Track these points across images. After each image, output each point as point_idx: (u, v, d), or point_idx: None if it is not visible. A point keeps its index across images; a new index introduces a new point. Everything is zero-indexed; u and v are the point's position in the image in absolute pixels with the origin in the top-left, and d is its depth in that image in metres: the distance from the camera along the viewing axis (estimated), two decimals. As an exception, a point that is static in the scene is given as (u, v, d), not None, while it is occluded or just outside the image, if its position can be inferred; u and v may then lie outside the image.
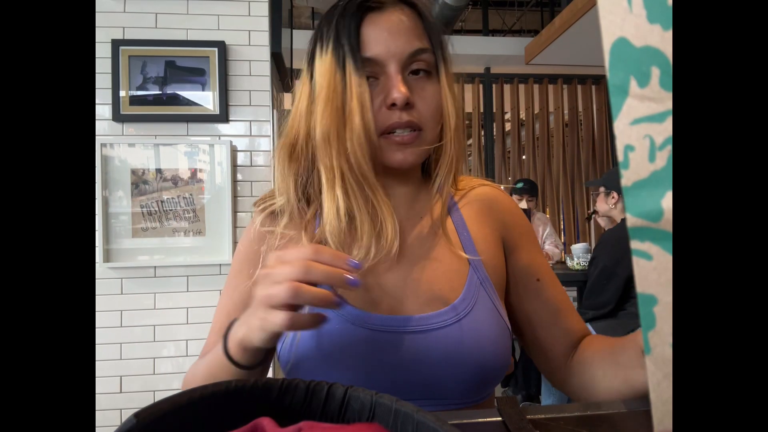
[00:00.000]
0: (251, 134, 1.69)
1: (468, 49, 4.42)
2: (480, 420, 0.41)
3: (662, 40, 0.25)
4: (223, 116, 1.64)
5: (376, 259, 0.54)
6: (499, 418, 0.41)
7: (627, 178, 0.26)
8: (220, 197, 1.64)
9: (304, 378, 0.34)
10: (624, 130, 0.26)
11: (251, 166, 1.69)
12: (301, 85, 0.59)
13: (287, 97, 2.19)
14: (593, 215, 2.65)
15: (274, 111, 1.71)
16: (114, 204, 1.60)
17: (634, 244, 0.26)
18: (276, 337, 0.41)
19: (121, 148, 1.60)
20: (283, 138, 0.59)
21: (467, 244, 0.58)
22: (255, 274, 0.58)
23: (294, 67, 2.10)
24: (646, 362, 0.26)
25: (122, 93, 1.61)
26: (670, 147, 0.25)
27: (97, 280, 1.57)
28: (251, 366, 0.45)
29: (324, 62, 0.54)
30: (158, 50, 1.62)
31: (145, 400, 1.58)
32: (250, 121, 1.69)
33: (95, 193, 1.54)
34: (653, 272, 0.25)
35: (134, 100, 1.62)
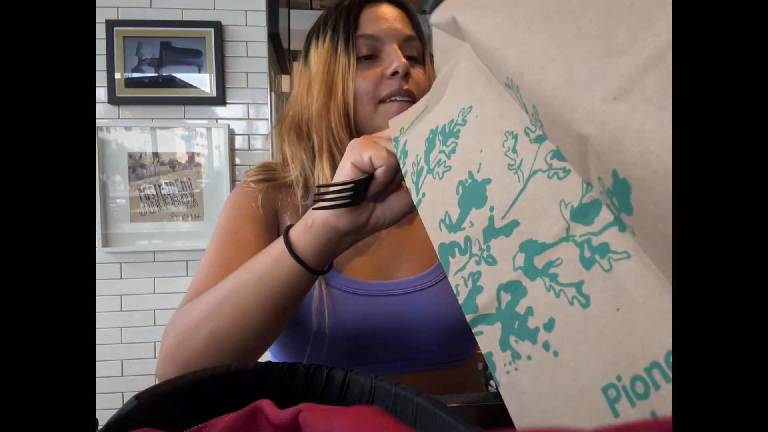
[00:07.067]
0: (249, 117, 1.67)
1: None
2: (480, 403, 0.42)
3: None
4: (220, 99, 1.62)
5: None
6: (500, 402, 0.41)
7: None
8: (218, 181, 1.63)
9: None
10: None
11: (249, 150, 1.67)
12: (298, 76, 0.65)
13: (285, 79, 2.16)
14: None
15: (272, 93, 1.69)
16: (112, 188, 1.59)
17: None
18: (355, 218, 0.42)
19: (118, 132, 1.59)
20: (287, 121, 0.64)
21: None
22: (255, 228, 0.61)
23: (292, 48, 2.06)
24: None
25: (117, 75, 1.58)
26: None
27: (96, 265, 1.57)
28: (319, 269, 0.44)
29: (320, 50, 0.61)
30: (153, 31, 1.59)
31: (146, 383, 1.59)
32: (248, 103, 1.66)
33: (95, 178, 1.53)
34: None
35: (130, 83, 1.59)
